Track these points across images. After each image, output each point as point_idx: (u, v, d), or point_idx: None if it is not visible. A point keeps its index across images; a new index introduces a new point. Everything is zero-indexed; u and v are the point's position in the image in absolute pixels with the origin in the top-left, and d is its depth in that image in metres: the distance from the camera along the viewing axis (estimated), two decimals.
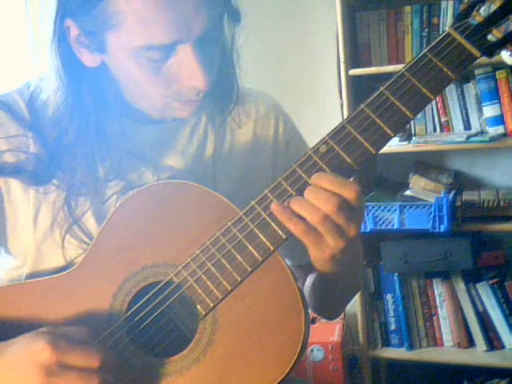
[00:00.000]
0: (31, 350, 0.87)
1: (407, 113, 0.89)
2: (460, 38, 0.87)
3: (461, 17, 0.88)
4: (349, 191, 0.87)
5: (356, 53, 2.59)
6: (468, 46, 0.87)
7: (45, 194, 1.01)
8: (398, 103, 0.89)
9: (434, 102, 2.49)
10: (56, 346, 0.87)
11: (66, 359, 0.87)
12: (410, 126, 2.54)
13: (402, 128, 0.91)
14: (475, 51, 0.87)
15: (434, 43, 0.89)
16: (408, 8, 2.51)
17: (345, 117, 2.48)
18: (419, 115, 2.49)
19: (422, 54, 0.89)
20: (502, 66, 2.35)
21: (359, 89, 2.48)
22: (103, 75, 0.98)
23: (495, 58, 0.91)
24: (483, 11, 0.86)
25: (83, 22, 0.91)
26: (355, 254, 1.06)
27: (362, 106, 0.90)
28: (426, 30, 2.48)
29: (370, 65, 2.56)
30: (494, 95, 2.40)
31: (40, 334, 0.89)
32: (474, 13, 0.87)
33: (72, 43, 0.94)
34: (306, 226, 0.88)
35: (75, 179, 1.00)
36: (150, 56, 0.91)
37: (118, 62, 0.95)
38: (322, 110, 2.69)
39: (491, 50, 0.88)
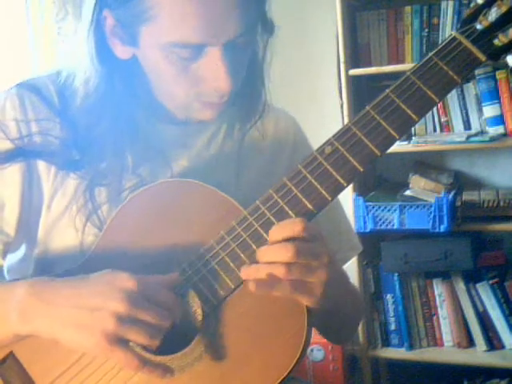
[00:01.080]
0: (115, 278, 0.87)
1: (412, 115, 0.89)
2: (466, 43, 0.88)
3: (467, 21, 0.88)
4: (294, 229, 0.87)
5: (356, 53, 2.59)
6: (474, 50, 0.88)
7: (63, 180, 1.01)
8: (403, 106, 0.89)
9: None
10: (139, 279, 0.87)
11: (148, 291, 0.87)
12: None
13: (407, 130, 0.91)
14: (481, 55, 0.88)
15: (439, 47, 0.89)
16: (408, 8, 2.51)
17: (345, 117, 2.48)
18: None
19: (427, 57, 0.89)
20: (502, 66, 2.35)
21: (359, 89, 2.48)
22: (134, 68, 0.99)
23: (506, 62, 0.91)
24: (489, 16, 0.86)
25: (120, 13, 0.93)
26: (339, 278, 1.05)
27: (368, 107, 0.91)
28: (426, 30, 2.48)
29: (369, 65, 2.56)
30: (494, 95, 2.41)
31: (118, 270, 0.89)
32: (481, 17, 0.87)
33: (107, 33, 0.96)
34: (289, 284, 0.87)
35: (101, 167, 1.00)
36: (180, 53, 0.93)
37: (148, 57, 0.97)
38: (321, 110, 2.69)
39: (497, 54, 0.88)
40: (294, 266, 0.86)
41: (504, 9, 0.85)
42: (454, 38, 0.88)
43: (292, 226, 0.87)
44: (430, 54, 0.89)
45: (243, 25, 0.92)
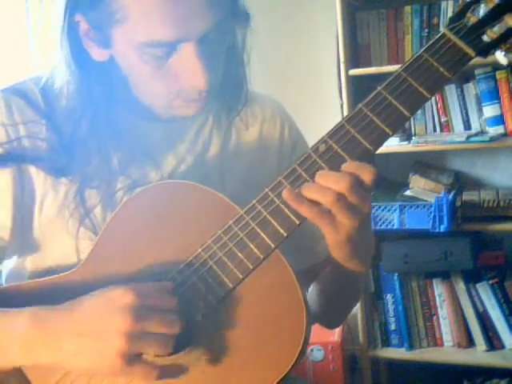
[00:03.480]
0: (112, 297, 0.86)
1: (404, 112, 0.90)
2: (455, 39, 0.89)
3: (456, 17, 0.89)
4: (367, 173, 0.88)
5: (356, 53, 2.59)
6: (463, 46, 0.88)
7: (54, 184, 1.01)
8: (395, 102, 0.90)
9: (433, 102, 2.50)
10: (135, 290, 0.86)
11: (148, 301, 0.86)
12: (410, 126, 2.55)
13: (400, 127, 0.92)
14: (470, 51, 0.88)
15: (429, 43, 0.90)
16: (408, 8, 2.51)
17: None
18: (419, 115, 2.50)
19: (418, 54, 0.90)
20: (501, 65, 2.35)
21: (359, 89, 2.48)
22: (112, 70, 0.98)
23: (495, 59, 0.92)
24: (478, 12, 0.87)
25: (91, 16, 0.92)
26: (368, 238, 1.06)
27: (360, 105, 0.91)
28: (426, 30, 2.48)
29: (369, 65, 2.56)
30: (494, 95, 2.40)
31: (112, 286, 0.88)
32: (469, 14, 0.88)
33: (82, 37, 0.95)
34: (319, 208, 0.88)
35: (89, 170, 1.00)
36: (152, 53, 0.92)
37: (124, 58, 0.96)
38: (322, 110, 2.69)
39: (486, 50, 0.89)
40: (342, 199, 0.87)
41: (491, 4, 0.86)
42: (444, 35, 0.89)
43: (365, 170, 0.88)
44: (421, 51, 0.90)
45: (215, 18, 0.92)
